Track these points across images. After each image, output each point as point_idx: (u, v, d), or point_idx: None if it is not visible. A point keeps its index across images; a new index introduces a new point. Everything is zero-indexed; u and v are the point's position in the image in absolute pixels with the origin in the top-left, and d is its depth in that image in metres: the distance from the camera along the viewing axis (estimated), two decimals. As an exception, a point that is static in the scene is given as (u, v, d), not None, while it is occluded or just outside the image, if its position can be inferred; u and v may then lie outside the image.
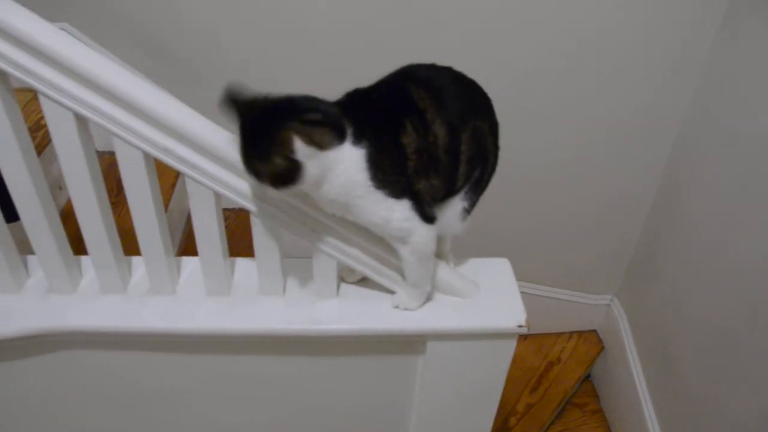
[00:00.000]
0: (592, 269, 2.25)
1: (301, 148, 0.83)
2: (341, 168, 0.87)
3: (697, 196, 1.76)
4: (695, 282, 1.75)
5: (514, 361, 1.13)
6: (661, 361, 1.95)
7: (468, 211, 1.03)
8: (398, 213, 0.92)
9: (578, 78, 1.78)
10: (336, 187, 0.88)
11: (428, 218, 0.96)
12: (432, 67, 0.99)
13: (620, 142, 1.91)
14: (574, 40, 1.71)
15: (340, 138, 0.86)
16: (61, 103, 0.90)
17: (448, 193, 0.99)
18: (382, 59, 1.78)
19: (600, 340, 2.41)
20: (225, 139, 0.93)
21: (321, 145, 0.85)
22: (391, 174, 0.90)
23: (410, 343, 1.13)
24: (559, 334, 2.44)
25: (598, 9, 1.65)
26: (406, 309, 1.08)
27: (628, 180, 1.99)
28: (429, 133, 0.91)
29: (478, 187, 1.02)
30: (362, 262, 1.05)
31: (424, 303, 1.09)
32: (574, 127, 1.89)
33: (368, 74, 1.77)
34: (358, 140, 0.87)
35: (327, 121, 0.86)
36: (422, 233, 0.96)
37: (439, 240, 1.11)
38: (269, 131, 0.83)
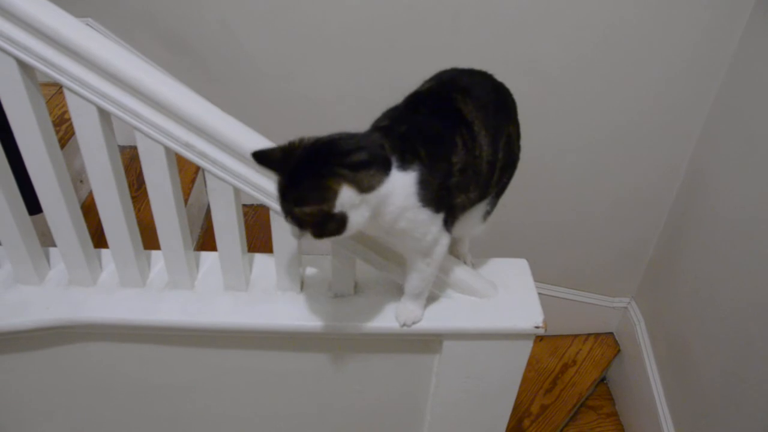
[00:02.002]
0: (610, 271, 2.24)
1: (350, 196, 0.78)
2: (391, 199, 0.82)
3: (719, 196, 1.74)
4: (715, 285, 1.73)
5: (529, 362, 1.13)
6: (678, 365, 1.93)
7: (489, 212, 1.02)
8: (435, 226, 0.90)
9: (599, 74, 1.77)
10: (387, 215, 0.84)
11: (449, 228, 0.94)
12: (471, 74, 0.97)
13: (640, 140, 1.89)
14: (594, 35, 1.69)
15: (387, 171, 0.81)
16: (85, 98, 0.91)
17: (479, 200, 0.98)
18: (397, 56, 1.80)
19: (616, 343, 2.39)
20: (245, 135, 0.94)
21: (371, 188, 0.79)
22: (437, 191, 0.87)
23: (426, 342, 1.13)
24: (575, 336, 2.43)
25: (623, 3, 1.63)
26: (414, 323, 1.06)
27: (647, 180, 1.97)
28: (476, 146, 0.90)
29: (502, 189, 1.02)
30: (378, 263, 1.05)
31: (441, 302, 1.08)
32: (594, 125, 1.87)
33: (383, 71, 1.79)
34: (405, 165, 0.83)
35: (374, 160, 0.80)
36: (444, 243, 0.94)
37: (458, 241, 1.11)
38: (313, 180, 0.78)
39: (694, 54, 1.69)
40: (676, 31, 1.66)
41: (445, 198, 0.89)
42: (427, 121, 0.89)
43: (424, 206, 0.85)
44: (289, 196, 0.80)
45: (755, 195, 1.56)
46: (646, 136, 1.87)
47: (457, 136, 0.88)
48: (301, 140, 0.82)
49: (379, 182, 0.80)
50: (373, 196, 0.80)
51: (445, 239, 0.94)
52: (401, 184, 0.82)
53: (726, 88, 1.71)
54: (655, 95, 1.79)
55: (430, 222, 0.88)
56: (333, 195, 0.76)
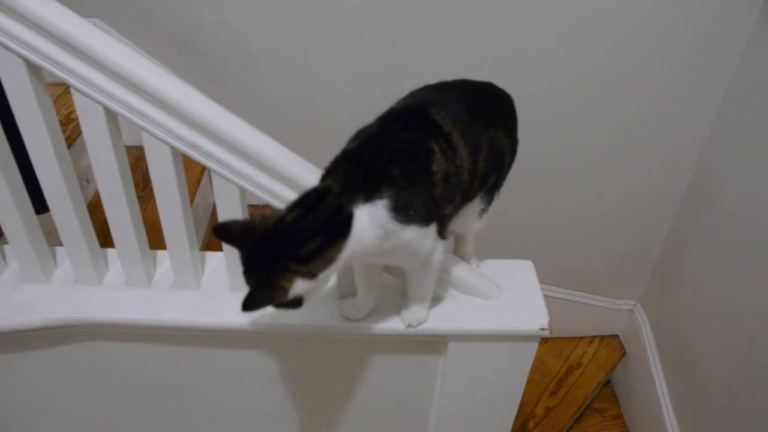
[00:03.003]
0: (616, 274, 2.23)
1: (303, 286, 0.79)
2: (363, 237, 0.82)
3: (727, 197, 1.73)
4: (722, 288, 1.72)
5: (534, 363, 1.12)
6: (683, 368, 1.92)
7: (485, 210, 1.02)
8: (428, 240, 0.89)
9: (604, 73, 1.76)
10: (364, 250, 0.84)
11: (443, 235, 0.93)
12: (446, 88, 0.97)
13: (647, 140, 1.88)
14: (599, 34, 1.68)
15: (347, 234, 0.80)
16: (92, 98, 0.91)
17: (464, 203, 0.97)
18: (399, 55, 1.79)
19: (622, 346, 2.38)
20: (252, 136, 0.94)
21: (329, 263, 0.80)
22: (420, 206, 0.85)
23: (432, 343, 1.12)
24: (580, 338, 2.42)
25: (627, 1, 1.63)
26: (419, 324, 1.06)
27: (653, 182, 1.96)
28: (456, 157, 0.88)
29: (495, 188, 1.01)
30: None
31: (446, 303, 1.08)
32: (599, 125, 1.86)
33: (385, 69, 1.79)
34: (370, 196, 0.82)
35: (330, 239, 0.80)
36: (440, 250, 0.94)
37: (462, 241, 1.11)
38: (266, 276, 0.80)
39: (701, 52, 1.68)
40: (682, 28, 1.65)
41: (434, 209, 0.88)
42: (401, 136, 0.88)
43: (407, 225, 0.84)
44: (248, 278, 0.81)
45: (764, 196, 1.55)
46: (652, 137, 1.87)
47: (433, 145, 0.86)
48: (263, 218, 0.82)
49: (339, 251, 0.80)
50: (333, 267, 0.81)
51: (440, 246, 0.93)
52: (370, 218, 0.82)
53: (734, 87, 1.69)
54: (661, 94, 1.78)
55: (421, 237, 0.87)
56: (284, 292, 0.79)
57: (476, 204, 1.00)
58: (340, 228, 0.80)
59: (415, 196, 0.84)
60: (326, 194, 0.81)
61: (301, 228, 0.80)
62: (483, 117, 0.95)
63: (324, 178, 0.85)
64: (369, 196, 0.81)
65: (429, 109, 0.90)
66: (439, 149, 0.86)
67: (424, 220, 0.86)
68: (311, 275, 0.80)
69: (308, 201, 0.81)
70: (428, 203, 0.86)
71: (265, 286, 0.80)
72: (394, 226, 0.83)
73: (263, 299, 0.79)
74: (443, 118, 0.89)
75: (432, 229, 0.89)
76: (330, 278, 0.84)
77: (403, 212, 0.83)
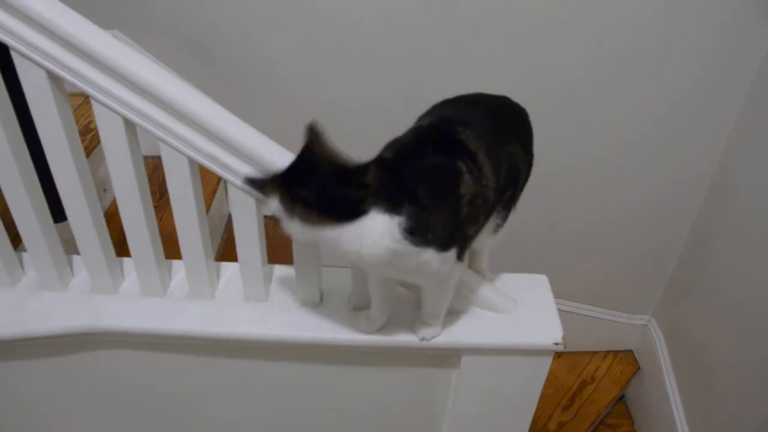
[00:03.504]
0: (630, 288, 2.22)
1: (276, 208, 0.81)
2: (363, 237, 0.81)
3: (746, 209, 1.69)
4: (740, 303, 1.70)
5: (547, 378, 1.12)
6: (698, 384, 1.90)
7: (500, 225, 1.01)
8: (447, 263, 0.87)
9: (620, 81, 1.74)
10: (358, 252, 0.82)
11: (463, 258, 0.92)
12: (467, 103, 0.96)
13: (663, 150, 1.85)
14: (615, 41, 1.67)
15: (339, 221, 0.80)
16: (111, 108, 0.92)
17: (486, 222, 0.96)
18: (416, 64, 1.80)
19: (636, 361, 2.36)
20: (268, 148, 0.95)
21: (304, 222, 0.81)
22: (441, 230, 0.84)
23: (445, 357, 1.12)
24: (593, 353, 2.40)
25: (644, 8, 1.61)
26: (432, 338, 1.06)
27: (670, 193, 1.93)
28: (483, 177, 0.87)
29: (510, 202, 1.00)
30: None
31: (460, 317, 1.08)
32: (614, 134, 1.84)
33: (403, 79, 1.79)
34: (393, 209, 0.80)
35: (327, 210, 0.80)
36: (457, 272, 0.94)
37: (476, 255, 1.11)
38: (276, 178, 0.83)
39: (721, 57, 1.65)
40: (701, 33, 1.62)
41: (457, 234, 0.86)
42: (431, 157, 0.86)
43: (422, 248, 0.82)
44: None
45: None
46: (668, 146, 1.84)
47: (461, 166, 0.85)
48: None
49: (322, 225, 0.80)
50: (308, 231, 0.81)
51: (458, 268, 0.92)
52: (382, 227, 0.80)
53: (755, 93, 1.66)
54: (678, 101, 1.75)
55: (439, 261, 0.85)
56: (264, 196, 0.82)
57: (492, 220, 0.98)
58: (346, 211, 0.80)
59: (438, 218, 0.83)
60: (362, 177, 0.81)
61: (324, 182, 0.80)
62: (503, 133, 0.94)
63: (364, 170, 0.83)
64: (390, 208, 0.80)
65: (455, 128, 0.89)
66: (467, 170, 0.85)
67: (443, 245, 0.84)
68: (290, 212, 0.80)
69: (348, 171, 0.81)
70: (451, 227, 0.85)
71: (267, 183, 0.82)
72: (406, 248, 0.81)
73: (253, 184, 0.83)
74: (468, 137, 0.87)
75: (452, 254, 0.87)
76: (301, 235, 0.82)
77: (420, 234, 0.81)
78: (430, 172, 0.85)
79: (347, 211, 0.80)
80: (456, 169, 0.84)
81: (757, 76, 1.64)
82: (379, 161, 0.85)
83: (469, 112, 0.94)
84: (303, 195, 0.80)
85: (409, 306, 1.10)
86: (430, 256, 0.84)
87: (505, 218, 1.00)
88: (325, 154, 0.82)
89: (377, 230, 0.80)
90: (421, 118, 0.95)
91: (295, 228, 0.82)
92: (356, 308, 1.11)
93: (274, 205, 0.82)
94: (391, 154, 0.86)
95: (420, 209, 0.81)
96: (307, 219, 0.80)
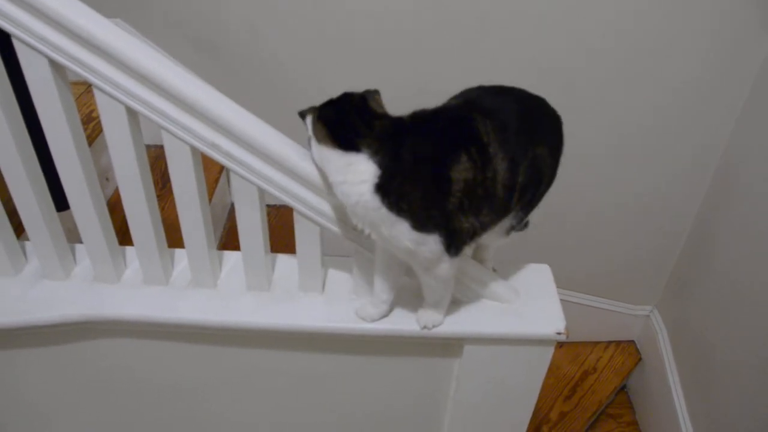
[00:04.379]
0: (633, 279, 2.22)
1: (309, 124, 0.90)
2: (326, 168, 0.88)
3: (750, 200, 1.69)
4: (743, 294, 1.70)
5: (549, 368, 1.12)
6: (700, 375, 1.91)
7: (514, 227, 1.00)
8: (425, 247, 0.87)
9: (624, 72, 1.73)
10: (342, 195, 0.86)
11: (458, 253, 0.91)
12: (500, 93, 0.94)
13: (666, 141, 1.84)
14: (619, 34, 1.66)
15: (336, 143, 0.85)
16: (114, 97, 0.92)
17: (494, 224, 0.93)
18: (423, 57, 1.79)
19: (638, 351, 2.37)
20: (271, 137, 0.95)
21: (315, 137, 0.88)
22: (417, 205, 0.83)
23: (447, 346, 1.12)
24: (595, 343, 2.40)
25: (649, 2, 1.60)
26: (434, 326, 1.06)
27: (673, 184, 1.93)
28: (488, 168, 0.85)
29: (529, 206, 0.98)
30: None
31: (462, 306, 1.08)
32: (617, 124, 1.84)
33: (410, 72, 1.79)
34: (376, 156, 0.83)
35: (326, 119, 0.88)
36: (446, 266, 0.91)
37: (482, 247, 1.11)
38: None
39: (725, 50, 1.64)
40: (705, 27, 1.62)
41: (439, 219, 0.85)
42: (437, 131, 0.87)
43: (395, 215, 0.84)
44: None
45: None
46: (673, 138, 1.83)
47: (463, 152, 0.83)
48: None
49: (321, 140, 0.88)
50: (318, 148, 0.89)
51: (447, 263, 0.90)
52: (363, 170, 0.84)
53: (759, 85, 1.65)
54: (682, 93, 1.74)
55: (414, 241, 0.85)
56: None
57: (507, 220, 0.96)
58: (345, 138, 0.86)
59: (415, 189, 0.83)
60: (374, 119, 0.87)
61: (346, 108, 0.90)
62: (531, 133, 0.92)
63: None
64: (379, 159, 0.83)
65: (474, 115, 0.87)
66: (468, 158, 0.83)
67: (419, 224, 0.84)
68: (313, 129, 0.90)
69: (368, 109, 0.89)
70: (432, 207, 0.84)
71: (310, 108, 0.92)
72: (379, 207, 0.84)
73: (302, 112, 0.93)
74: (486, 127, 0.86)
75: (433, 239, 0.86)
76: (314, 155, 0.91)
77: (392, 198, 0.83)
78: (424, 143, 0.85)
79: (346, 138, 0.85)
80: (453, 151, 0.84)
81: (762, 69, 1.64)
82: (395, 117, 0.88)
83: (498, 104, 0.92)
84: (325, 112, 0.89)
85: (411, 295, 1.10)
86: (403, 229, 0.84)
87: (520, 220, 0.98)
88: (365, 98, 0.90)
89: (360, 173, 0.83)
90: (452, 98, 0.95)
91: (312, 148, 0.90)
92: (359, 296, 1.11)
93: (309, 123, 0.90)
94: (408, 117, 0.88)
95: (399, 172, 0.83)
96: (318, 134, 0.88)
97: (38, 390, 1.26)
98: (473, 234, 0.90)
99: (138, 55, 0.89)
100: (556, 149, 0.97)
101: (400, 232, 0.85)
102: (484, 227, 0.91)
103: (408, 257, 0.91)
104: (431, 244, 0.86)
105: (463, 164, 0.83)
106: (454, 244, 0.88)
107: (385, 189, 0.83)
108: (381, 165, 0.83)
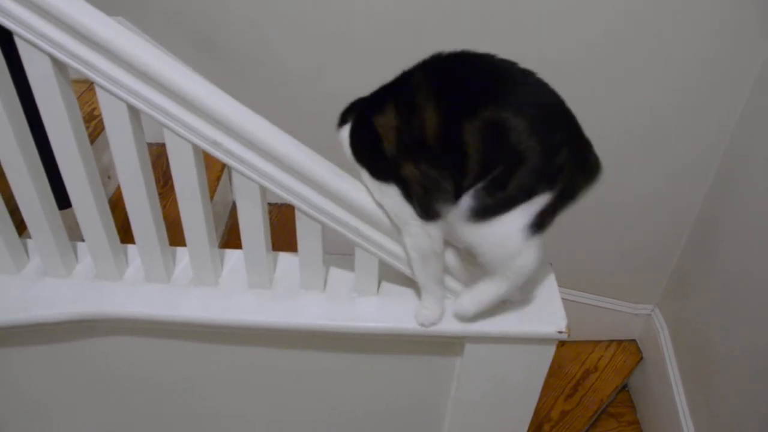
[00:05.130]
0: (634, 277, 2.21)
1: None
2: (341, 140, 1.01)
3: (752, 198, 1.68)
4: (745, 293, 1.70)
5: (550, 367, 1.12)
6: (701, 374, 1.91)
7: (476, 212, 0.89)
8: (387, 198, 0.96)
9: (624, 68, 1.73)
10: (346, 155, 1.01)
11: (426, 215, 0.93)
12: (468, 58, 0.94)
13: (668, 139, 1.83)
14: (619, 28, 1.66)
15: (341, 124, 1.01)
16: (115, 95, 0.92)
17: (459, 189, 0.90)
18: (420, 57, 1.78)
19: (639, 350, 2.37)
20: (273, 135, 0.95)
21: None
22: (365, 153, 0.97)
23: (448, 344, 1.12)
24: (597, 342, 2.40)
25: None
26: (432, 324, 1.06)
27: (675, 181, 1.93)
28: (413, 117, 0.89)
29: (497, 188, 0.88)
30: (404, 260, 1.05)
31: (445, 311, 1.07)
32: (617, 121, 1.83)
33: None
34: (347, 120, 1.00)
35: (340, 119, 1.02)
36: (415, 227, 0.95)
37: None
38: None
39: (726, 46, 1.64)
40: (707, 23, 1.61)
41: (383, 165, 0.94)
42: (382, 89, 0.96)
43: (360, 164, 0.98)
44: None
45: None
46: (674, 136, 1.83)
47: (389, 102, 0.93)
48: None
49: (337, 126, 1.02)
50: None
51: (415, 224, 0.95)
52: (345, 134, 1.00)
53: (760, 85, 1.65)
54: (685, 88, 1.73)
55: (374, 186, 0.97)
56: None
57: (465, 199, 0.89)
58: (342, 115, 1.03)
59: (358, 139, 0.98)
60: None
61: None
62: (484, 92, 0.89)
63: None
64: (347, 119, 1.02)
65: (416, 72, 0.93)
66: (392, 107, 0.92)
67: (370, 170, 0.97)
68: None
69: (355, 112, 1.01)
70: (373, 155, 0.95)
71: None
72: (351, 155, 0.99)
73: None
74: (419, 80, 0.92)
75: (393, 190, 0.94)
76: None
77: (352, 149, 0.99)
78: (368, 100, 0.98)
79: (342, 115, 1.02)
80: (383, 102, 0.94)
81: (762, 69, 1.64)
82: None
83: (458, 63, 0.94)
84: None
85: (414, 295, 1.11)
86: (366, 178, 0.98)
87: (485, 206, 0.88)
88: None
89: (344, 137, 1.00)
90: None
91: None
92: (360, 295, 1.11)
93: None
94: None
95: (353, 128, 0.98)
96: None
97: (39, 388, 1.26)
98: (426, 190, 0.91)
99: (139, 52, 0.89)
100: (545, 126, 0.88)
101: (366, 181, 0.98)
102: (435, 183, 0.91)
103: (392, 220, 0.99)
104: (393, 195, 0.95)
105: (386, 113, 0.92)
106: (412, 199, 0.93)
107: (351, 143, 0.99)
108: (351, 126, 0.99)
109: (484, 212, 0.89)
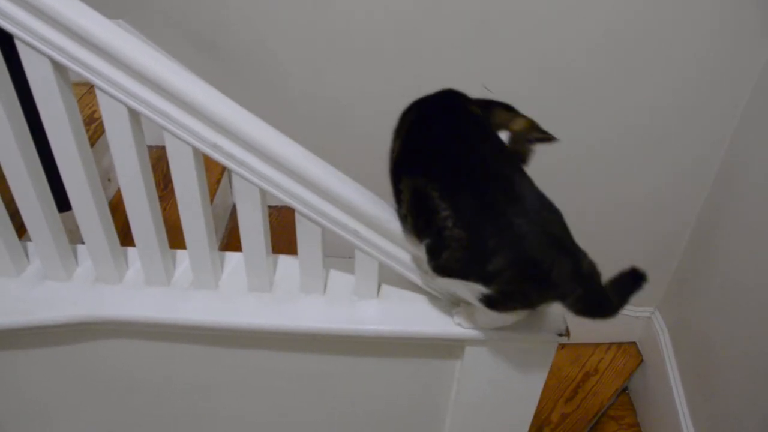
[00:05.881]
0: (634, 280, 2.21)
1: None
2: None
3: (752, 201, 1.69)
4: (745, 295, 1.70)
5: (550, 370, 1.12)
6: (702, 377, 1.90)
7: (432, 267, 0.93)
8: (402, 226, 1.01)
9: (622, 70, 1.73)
10: None
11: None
12: (446, 109, 0.98)
13: (667, 141, 1.84)
14: (620, 30, 1.66)
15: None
16: (116, 98, 0.92)
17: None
18: (422, 59, 1.79)
19: (639, 353, 2.36)
20: (273, 137, 0.95)
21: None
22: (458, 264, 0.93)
23: (448, 347, 1.12)
24: (597, 345, 2.40)
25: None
26: (459, 324, 1.07)
27: (675, 184, 1.93)
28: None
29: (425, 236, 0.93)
30: (403, 263, 1.05)
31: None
32: (616, 124, 1.83)
33: (409, 73, 1.79)
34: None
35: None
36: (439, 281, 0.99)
37: None
38: None
39: (727, 47, 1.64)
40: (708, 25, 1.61)
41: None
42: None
43: (456, 278, 0.92)
44: None
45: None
46: (674, 139, 1.83)
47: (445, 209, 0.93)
48: None
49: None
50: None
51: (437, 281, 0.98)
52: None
53: (761, 86, 1.65)
54: (684, 93, 1.74)
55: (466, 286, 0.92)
56: None
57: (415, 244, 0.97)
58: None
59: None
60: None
61: None
62: (409, 157, 0.95)
63: None
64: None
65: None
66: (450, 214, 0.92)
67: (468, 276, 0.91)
68: None
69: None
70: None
71: None
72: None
73: None
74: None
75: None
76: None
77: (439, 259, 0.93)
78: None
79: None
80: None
81: (763, 70, 1.64)
82: None
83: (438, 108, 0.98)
84: None
85: (414, 297, 1.11)
86: (467, 290, 0.93)
87: (434, 259, 0.92)
88: None
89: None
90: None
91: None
92: (360, 298, 1.11)
93: None
94: None
95: (432, 244, 0.93)
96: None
97: (39, 390, 1.26)
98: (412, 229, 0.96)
99: (140, 56, 0.89)
100: (456, 198, 0.88)
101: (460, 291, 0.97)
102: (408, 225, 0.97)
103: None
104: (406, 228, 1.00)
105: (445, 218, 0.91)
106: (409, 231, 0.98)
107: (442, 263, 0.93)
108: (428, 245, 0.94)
109: (437, 270, 0.93)
